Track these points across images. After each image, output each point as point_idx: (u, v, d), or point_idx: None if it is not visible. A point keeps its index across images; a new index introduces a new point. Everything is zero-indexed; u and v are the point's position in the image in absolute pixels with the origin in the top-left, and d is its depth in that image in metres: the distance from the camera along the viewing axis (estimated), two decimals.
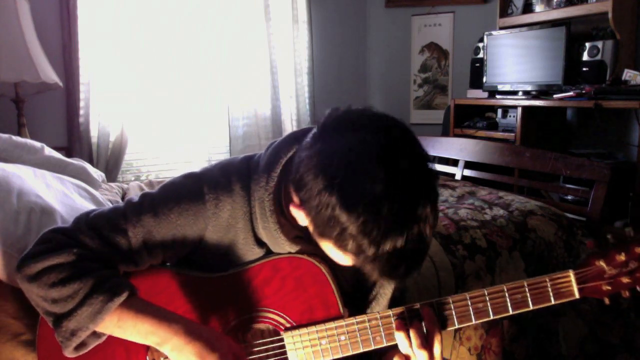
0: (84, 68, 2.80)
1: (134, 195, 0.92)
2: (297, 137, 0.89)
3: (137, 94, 2.95)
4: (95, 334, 0.84)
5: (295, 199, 0.78)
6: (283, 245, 0.89)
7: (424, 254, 0.74)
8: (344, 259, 0.76)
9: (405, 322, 0.87)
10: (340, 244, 0.72)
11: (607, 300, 0.89)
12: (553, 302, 0.88)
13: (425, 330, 0.85)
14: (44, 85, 2.50)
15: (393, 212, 0.68)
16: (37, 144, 1.79)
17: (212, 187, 0.87)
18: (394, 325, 0.87)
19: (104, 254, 0.85)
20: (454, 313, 0.88)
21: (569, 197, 2.53)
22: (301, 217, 0.79)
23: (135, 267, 0.89)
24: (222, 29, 3.18)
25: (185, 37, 3.20)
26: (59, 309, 0.80)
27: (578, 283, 0.88)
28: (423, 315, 0.86)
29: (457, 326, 0.89)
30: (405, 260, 0.72)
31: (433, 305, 0.88)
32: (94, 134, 2.90)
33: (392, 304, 1.00)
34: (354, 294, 0.98)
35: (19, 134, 2.41)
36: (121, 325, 0.81)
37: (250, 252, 0.91)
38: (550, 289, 0.88)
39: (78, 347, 0.83)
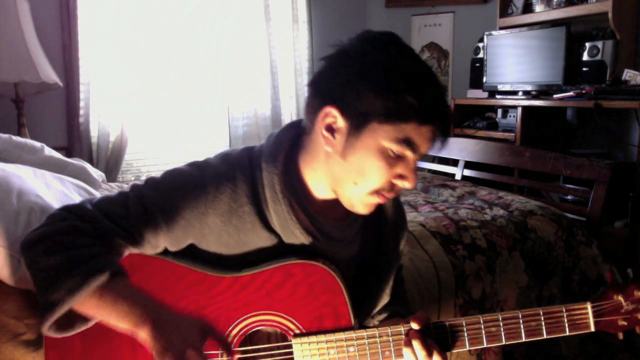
0: (84, 68, 2.80)
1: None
2: (296, 125, 0.95)
3: (137, 94, 2.95)
4: (82, 318, 0.83)
5: (328, 108, 0.83)
6: (294, 231, 0.88)
7: (445, 98, 0.86)
8: (381, 145, 0.81)
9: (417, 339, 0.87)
10: (386, 109, 0.79)
11: (621, 335, 0.88)
12: (568, 334, 0.87)
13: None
14: (44, 85, 2.50)
15: (418, 70, 0.83)
16: (37, 144, 1.79)
17: (214, 174, 0.89)
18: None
19: (103, 227, 0.85)
20: (465, 335, 0.88)
21: (569, 197, 2.53)
22: (329, 140, 0.84)
23: (136, 245, 0.88)
24: (222, 29, 3.18)
25: (185, 37, 3.20)
26: (42, 279, 0.80)
27: (595, 316, 0.87)
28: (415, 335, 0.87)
29: (467, 348, 0.88)
30: (439, 102, 0.82)
31: (445, 326, 0.88)
32: (94, 134, 2.90)
33: (393, 288, 1.02)
34: (355, 281, 0.98)
35: (19, 134, 2.41)
36: (101, 305, 0.80)
37: (257, 236, 0.89)
38: (565, 320, 0.87)
39: (61, 329, 0.82)
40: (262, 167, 0.89)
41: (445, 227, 1.66)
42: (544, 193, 2.65)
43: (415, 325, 0.87)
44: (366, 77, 0.80)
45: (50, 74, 2.42)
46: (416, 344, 0.85)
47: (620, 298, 0.86)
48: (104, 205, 0.87)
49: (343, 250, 0.96)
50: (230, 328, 0.91)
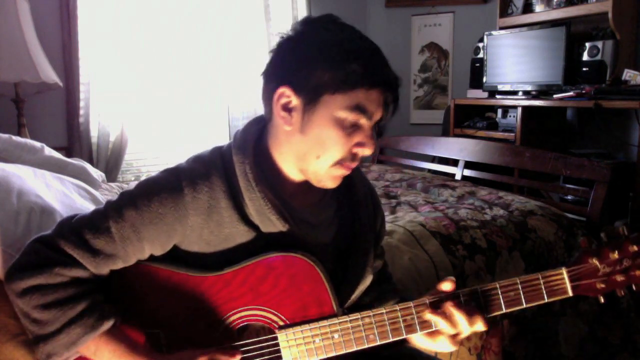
0: (84, 68, 2.80)
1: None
2: (260, 118, 0.99)
3: (137, 94, 2.96)
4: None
5: (282, 89, 0.88)
6: (270, 217, 0.89)
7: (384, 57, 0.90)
8: (336, 116, 0.86)
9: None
10: (335, 80, 0.84)
11: (602, 299, 0.89)
12: (546, 300, 0.88)
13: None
14: (44, 85, 2.50)
15: (360, 42, 0.88)
16: (37, 144, 1.80)
17: (189, 176, 0.89)
18: (425, 314, 0.88)
19: (88, 263, 0.86)
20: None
21: (569, 197, 2.53)
22: (287, 119, 0.88)
23: (123, 264, 0.89)
24: (222, 29, 3.18)
25: (185, 37, 3.20)
26: (37, 330, 0.84)
27: (571, 281, 0.87)
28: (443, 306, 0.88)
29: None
30: (383, 67, 0.87)
31: (427, 304, 0.89)
32: (94, 134, 2.90)
33: (376, 276, 1.04)
34: (335, 271, 0.99)
35: (19, 134, 2.41)
36: (97, 354, 0.86)
37: (237, 231, 0.90)
38: (543, 287, 0.88)
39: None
40: (234, 160, 0.91)
41: (445, 227, 1.66)
42: (544, 193, 2.65)
43: (447, 285, 0.88)
44: (312, 54, 0.86)
45: (50, 74, 2.43)
46: (455, 310, 0.85)
47: (596, 261, 0.87)
48: (84, 233, 0.86)
49: (321, 235, 0.98)
50: (215, 327, 0.91)
